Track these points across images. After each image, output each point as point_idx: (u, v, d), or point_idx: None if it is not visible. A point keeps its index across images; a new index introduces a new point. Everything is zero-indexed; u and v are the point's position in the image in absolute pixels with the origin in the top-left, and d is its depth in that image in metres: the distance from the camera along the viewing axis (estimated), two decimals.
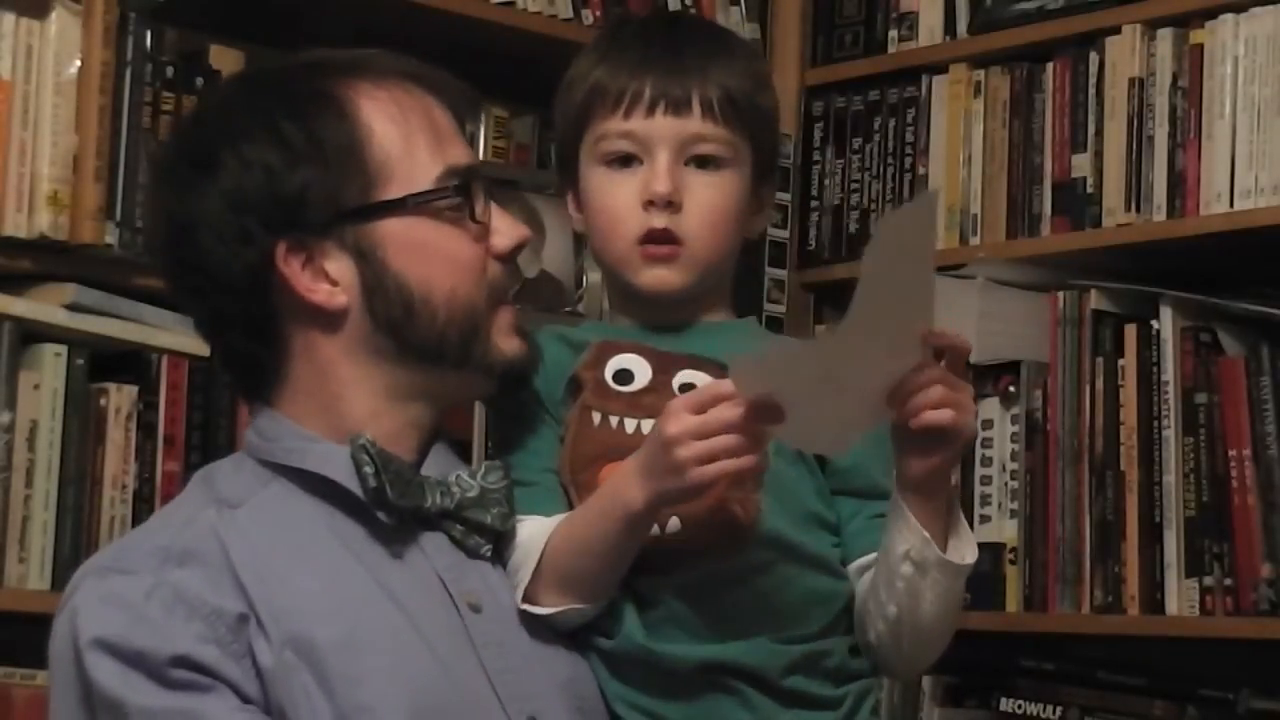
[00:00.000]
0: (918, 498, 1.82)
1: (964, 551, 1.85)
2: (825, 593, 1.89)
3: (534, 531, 1.86)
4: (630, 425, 1.88)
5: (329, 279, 1.85)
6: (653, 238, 1.91)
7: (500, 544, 1.88)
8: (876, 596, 1.87)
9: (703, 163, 1.91)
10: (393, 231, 1.86)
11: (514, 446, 1.93)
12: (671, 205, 1.90)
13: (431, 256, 1.86)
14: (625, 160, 1.92)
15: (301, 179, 1.84)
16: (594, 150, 1.94)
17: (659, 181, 1.90)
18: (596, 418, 1.89)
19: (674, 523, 1.85)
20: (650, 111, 1.91)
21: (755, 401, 1.72)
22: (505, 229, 1.91)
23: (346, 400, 1.87)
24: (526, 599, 1.85)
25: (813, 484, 1.92)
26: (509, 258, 1.92)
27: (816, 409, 1.76)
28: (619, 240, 1.92)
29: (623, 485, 1.80)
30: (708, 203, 1.91)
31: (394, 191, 1.86)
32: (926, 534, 1.82)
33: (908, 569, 1.84)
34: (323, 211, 1.84)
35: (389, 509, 1.84)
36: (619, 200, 1.92)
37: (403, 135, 1.87)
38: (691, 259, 1.91)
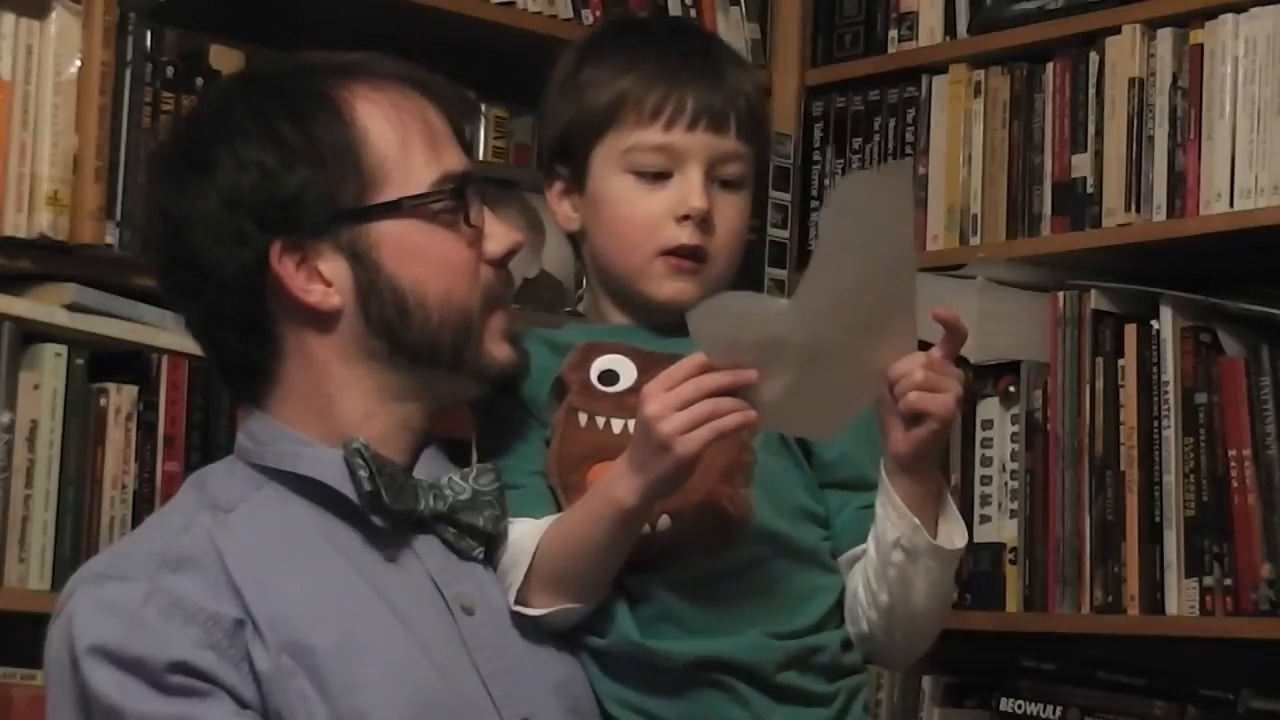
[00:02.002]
0: (906, 482, 1.83)
1: (954, 536, 1.86)
2: (816, 586, 1.90)
3: (524, 533, 1.87)
4: (617, 425, 1.89)
5: (323, 280, 1.86)
6: (682, 252, 1.91)
7: (491, 546, 1.89)
8: (868, 586, 1.88)
9: (726, 184, 1.93)
10: (387, 234, 1.86)
11: (500, 450, 1.94)
12: (706, 223, 1.91)
13: (425, 259, 1.87)
14: (656, 171, 1.92)
15: (297, 179, 1.84)
16: (620, 158, 1.93)
17: (697, 198, 1.91)
18: (583, 419, 1.90)
19: (664, 520, 1.86)
20: (692, 125, 1.91)
21: (721, 360, 1.74)
22: (499, 234, 1.91)
23: (339, 402, 1.87)
24: (518, 601, 1.86)
25: (801, 478, 1.92)
26: (502, 263, 1.92)
27: (799, 387, 1.76)
28: (640, 251, 1.93)
29: (614, 484, 1.80)
30: (733, 223, 1.93)
31: (389, 194, 1.86)
32: (916, 520, 1.83)
33: (899, 556, 1.85)
34: (318, 212, 1.84)
35: (383, 513, 1.84)
36: (646, 211, 1.92)
37: (399, 138, 1.87)
38: (713, 275, 1.93)
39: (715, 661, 1.85)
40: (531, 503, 1.89)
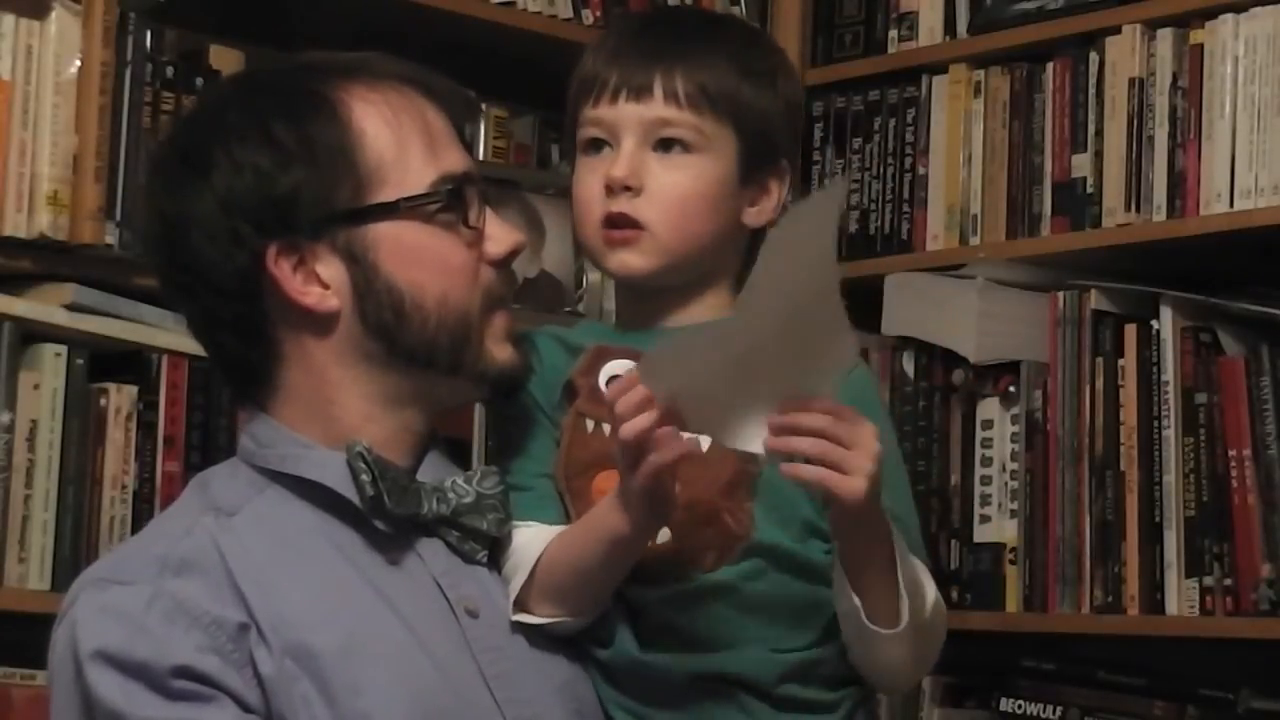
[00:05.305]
0: (849, 548, 1.81)
1: (899, 614, 1.81)
2: (819, 600, 1.87)
3: (530, 539, 1.87)
4: None
5: (320, 282, 1.85)
6: (612, 222, 1.91)
7: (495, 550, 1.89)
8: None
9: (667, 145, 1.91)
10: (385, 235, 1.85)
11: (511, 450, 1.93)
12: (630, 190, 1.90)
13: (423, 261, 1.86)
14: (597, 147, 1.93)
15: (293, 181, 1.83)
16: (576, 140, 1.95)
17: (616, 166, 1.90)
18: (590, 425, 1.90)
19: (664, 533, 1.85)
20: (614, 98, 1.91)
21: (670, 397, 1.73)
22: (500, 235, 1.91)
23: (339, 405, 1.87)
24: (518, 606, 1.86)
25: (806, 491, 1.91)
26: (503, 264, 1.91)
27: (731, 399, 1.74)
28: (586, 226, 1.93)
29: (611, 508, 1.80)
30: (670, 185, 1.90)
31: (386, 195, 1.85)
32: (857, 601, 1.80)
33: (849, 628, 1.84)
34: (314, 213, 1.84)
35: (386, 516, 1.84)
36: (587, 186, 1.93)
37: (396, 139, 1.87)
38: (655, 242, 1.90)
39: (715, 675, 1.85)
40: (539, 506, 1.89)
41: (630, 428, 1.74)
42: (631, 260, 1.91)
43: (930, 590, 1.87)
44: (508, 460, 1.93)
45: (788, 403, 1.73)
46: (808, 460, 1.73)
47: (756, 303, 1.72)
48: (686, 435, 1.76)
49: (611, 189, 1.90)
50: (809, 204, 1.75)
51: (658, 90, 1.90)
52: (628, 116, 1.91)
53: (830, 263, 1.73)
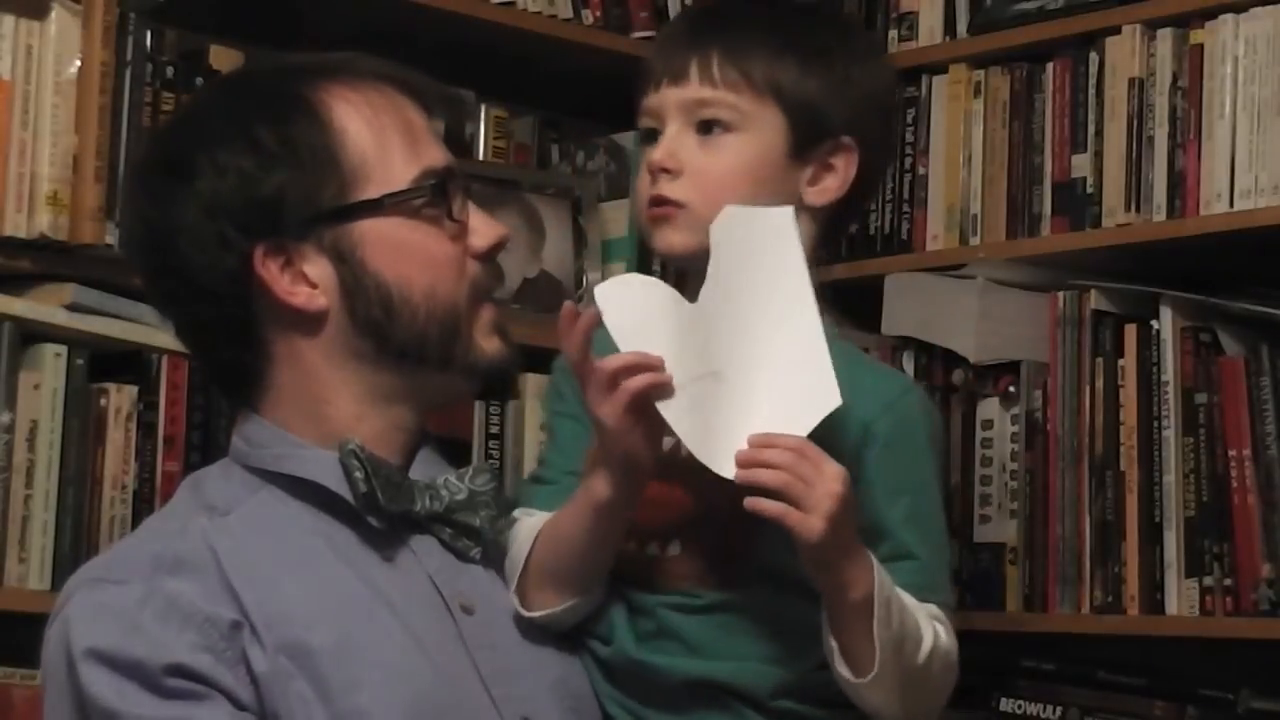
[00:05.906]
0: (821, 586, 1.79)
1: (871, 664, 1.79)
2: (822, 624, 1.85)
3: (532, 525, 1.88)
4: None
5: (308, 281, 1.86)
6: (655, 203, 1.93)
7: (493, 548, 1.89)
8: None
9: (708, 127, 1.92)
10: (370, 232, 1.86)
11: (551, 442, 1.97)
12: (669, 172, 1.91)
13: (409, 256, 1.87)
14: (651, 136, 1.95)
15: (276, 182, 1.85)
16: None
17: (656, 150, 1.93)
18: None
19: (675, 545, 1.86)
20: (658, 86, 1.95)
21: (627, 340, 1.76)
22: (483, 228, 1.92)
23: (331, 404, 1.88)
24: (519, 597, 1.87)
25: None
26: (487, 256, 1.93)
27: (705, 403, 1.76)
28: (641, 209, 1.96)
29: (592, 476, 1.81)
30: (707, 166, 1.91)
31: (370, 192, 1.87)
32: (833, 643, 1.80)
33: (833, 667, 1.82)
34: (299, 214, 1.85)
35: (379, 514, 1.84)
36: (640, 175, 1.95)
37: (377, 137, 1.88)
38: (693, 219, 1.90)
39: (710, 682, 1.85)
40: (552, 499, 1.90)
41: (608, 362, 1.76)
42: (673, 237, 1.92)
43: (928, 637, 1.84)
44: (546, 453, 1.96)
45: (756, 436, 1.75)
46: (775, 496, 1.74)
47: (708, 278, 1.80)
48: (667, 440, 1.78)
49: (653, 173, 1.92)
50: (752, 213, 1.81)
51: (694, 72, 1.93)
52: (669, 101, 1.94)
53: (803, 288, 1.78)
